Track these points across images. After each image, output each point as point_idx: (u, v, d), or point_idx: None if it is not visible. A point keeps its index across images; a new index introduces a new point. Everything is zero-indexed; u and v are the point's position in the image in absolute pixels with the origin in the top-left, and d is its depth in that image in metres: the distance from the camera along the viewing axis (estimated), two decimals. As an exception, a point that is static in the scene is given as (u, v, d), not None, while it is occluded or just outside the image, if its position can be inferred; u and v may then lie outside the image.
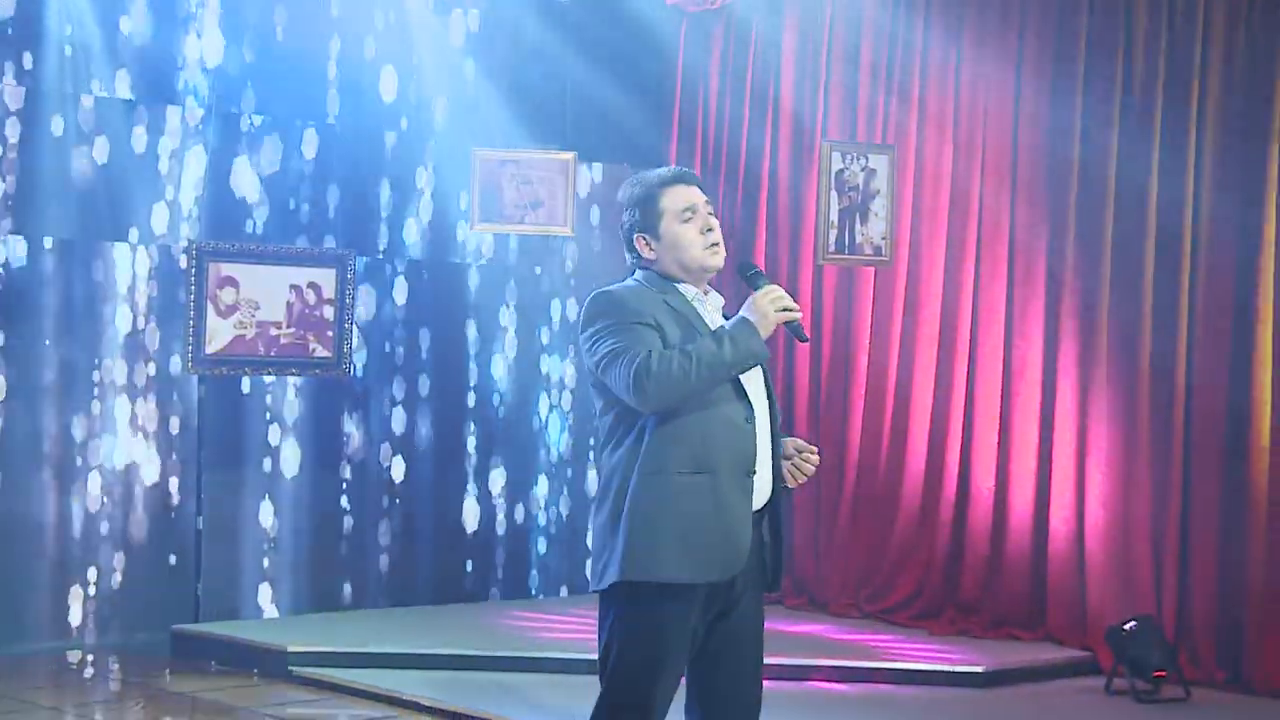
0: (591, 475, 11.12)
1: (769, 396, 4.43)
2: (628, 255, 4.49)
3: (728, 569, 4.25)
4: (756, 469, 4.32)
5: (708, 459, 4.24)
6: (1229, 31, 8.55)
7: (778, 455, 4.44)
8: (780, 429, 4.49)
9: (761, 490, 4.36)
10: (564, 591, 11.00)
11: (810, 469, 4.45)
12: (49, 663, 8.94)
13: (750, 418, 4.31)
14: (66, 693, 8.22)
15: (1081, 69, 9.09)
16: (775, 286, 4.31)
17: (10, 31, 9.27)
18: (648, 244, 4.43)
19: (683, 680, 4.41)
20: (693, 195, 4.43)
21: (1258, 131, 8.40)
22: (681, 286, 4.42)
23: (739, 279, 4.50)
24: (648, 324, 4.26)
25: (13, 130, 9.19)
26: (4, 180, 9.17)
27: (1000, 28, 9.49)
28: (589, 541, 10.71)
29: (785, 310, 4.28)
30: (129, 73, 9.62)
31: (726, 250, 4.57)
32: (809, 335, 4.51)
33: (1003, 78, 9.46)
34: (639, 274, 4.46)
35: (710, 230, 4.42)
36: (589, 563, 5.24)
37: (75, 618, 9.46)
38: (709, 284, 4.52)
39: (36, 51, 9.36)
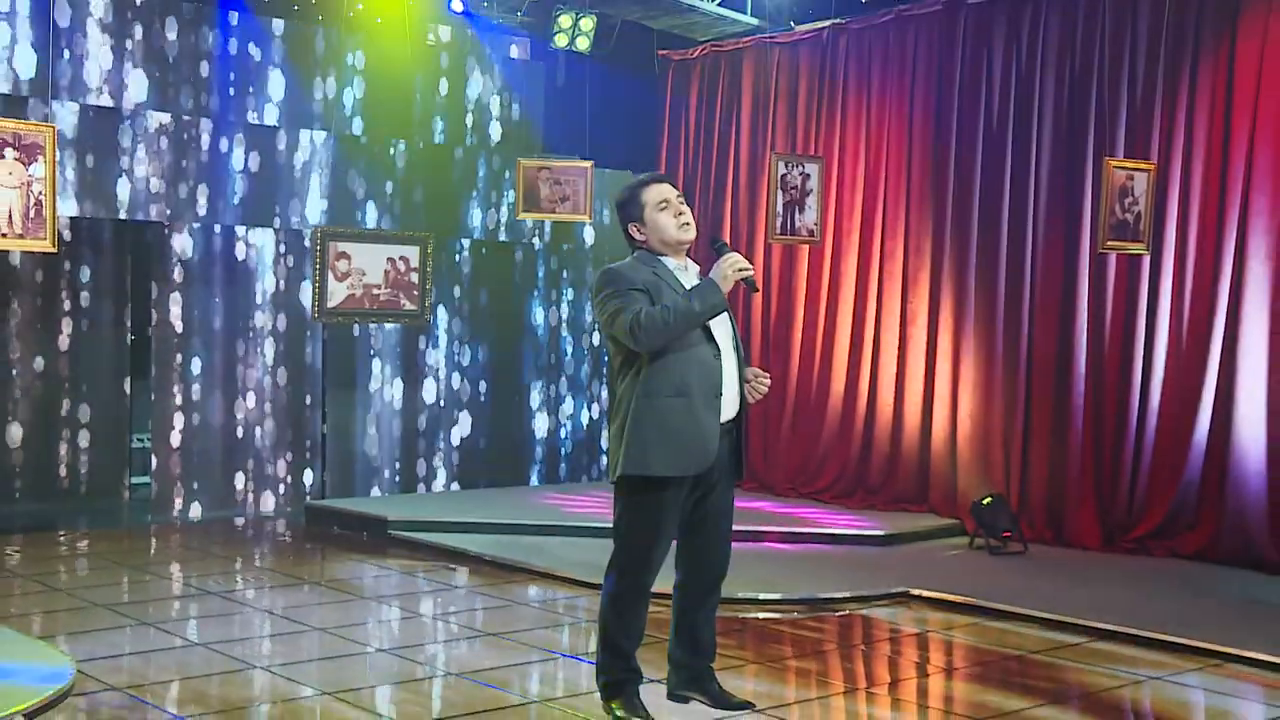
0: (604, 395, 11.38)
1: (735, 339, 4.44)
2: (627, 241, 4.49)
3: (701, 465, 4.29)
4: (723, 392, 4.33)
5: (685, 385, 4.26)
6: (1059, 69, 8.68)
7: (743, 381, 4.44)
8: (745, 362, 4.49)
9: (729, 407, 4.37)
10: (583, 479, 11.23)
11: (764, 389, 4.46)
12: (222, 527, 9.29)
13: (718, 355, 4.33)
14: (235, 547, 8.51)
15: (956, 102, 9.27)
16: (735, 253, 4.28)
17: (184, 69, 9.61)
18: (638, 230, 4.41)
19: (673, 544, 4.51)
20: (665, 190, 4.40)
21: (1079, 148, 8.59)
22: (666, 260, 4.39)
23: (710, 250, 4.43)
24: (638, 289, 4.27)
25: (191, 148, 9.51)
26: (188, 184, 9.53)
27: (899, 72, 9.69)
28: (604, 443, 11.25)
29: (741, 270, 4.24)
30: (274, 106, 9.96)
31: (700, 229, 4.55)
32: (759, 287, 4.67)
33: (900, 108, 9.67)
34: (636, 253, 4.44)
35: (681, 214, 4.38)
36: (605, 460, 4.88)
37: (240, 494, 9.88)
38: (688, 256, 4.48)
39: (208, 87, 9.69)
